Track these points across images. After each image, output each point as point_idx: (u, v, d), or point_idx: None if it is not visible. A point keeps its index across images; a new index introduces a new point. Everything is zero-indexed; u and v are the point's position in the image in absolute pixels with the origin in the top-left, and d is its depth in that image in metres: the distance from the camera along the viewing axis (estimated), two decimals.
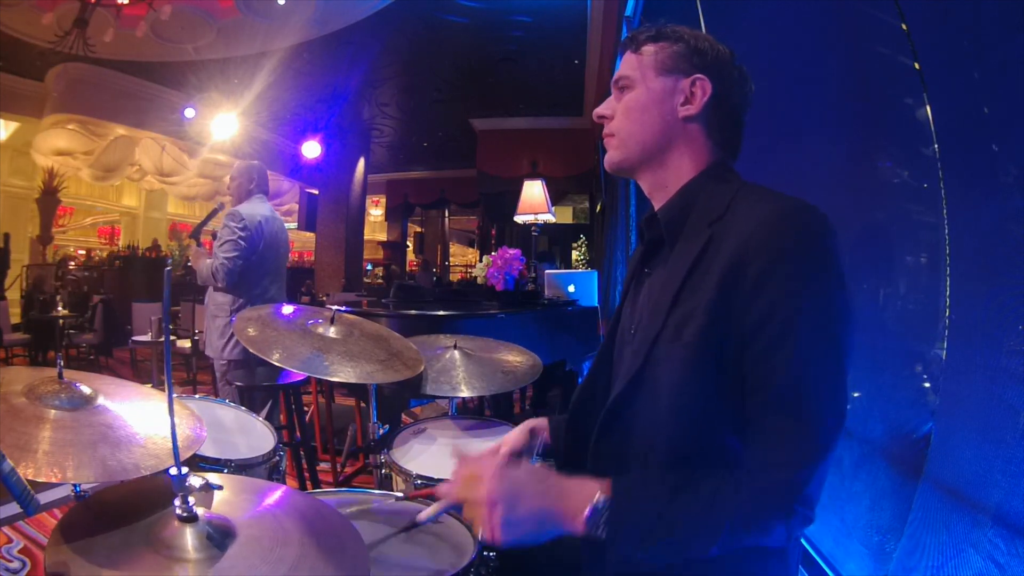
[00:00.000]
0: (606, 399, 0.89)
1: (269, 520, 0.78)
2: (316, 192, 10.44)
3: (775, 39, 1.53)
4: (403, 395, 1.48)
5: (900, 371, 1.12)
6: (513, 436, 1.08)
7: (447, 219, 14.67)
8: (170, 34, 6.79)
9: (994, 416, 0.81)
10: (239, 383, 2.55)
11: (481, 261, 3.79)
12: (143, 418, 0.95)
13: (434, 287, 8.08)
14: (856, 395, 0.83)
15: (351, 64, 7.42)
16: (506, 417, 1.59)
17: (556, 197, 8.55)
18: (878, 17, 1.07)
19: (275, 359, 1.25)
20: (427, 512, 0.90)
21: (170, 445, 0.77)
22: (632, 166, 0.92)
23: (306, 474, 2.66)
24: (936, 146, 0.93)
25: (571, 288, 3.84)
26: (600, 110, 0.94)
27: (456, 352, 1.58)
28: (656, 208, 0.93)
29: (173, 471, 0.70)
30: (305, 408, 3.00)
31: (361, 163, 10.67)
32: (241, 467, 1.19)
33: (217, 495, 0.77)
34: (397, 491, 1.20)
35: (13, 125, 8.81)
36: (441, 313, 2.82)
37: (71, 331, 6.61)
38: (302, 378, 2.50)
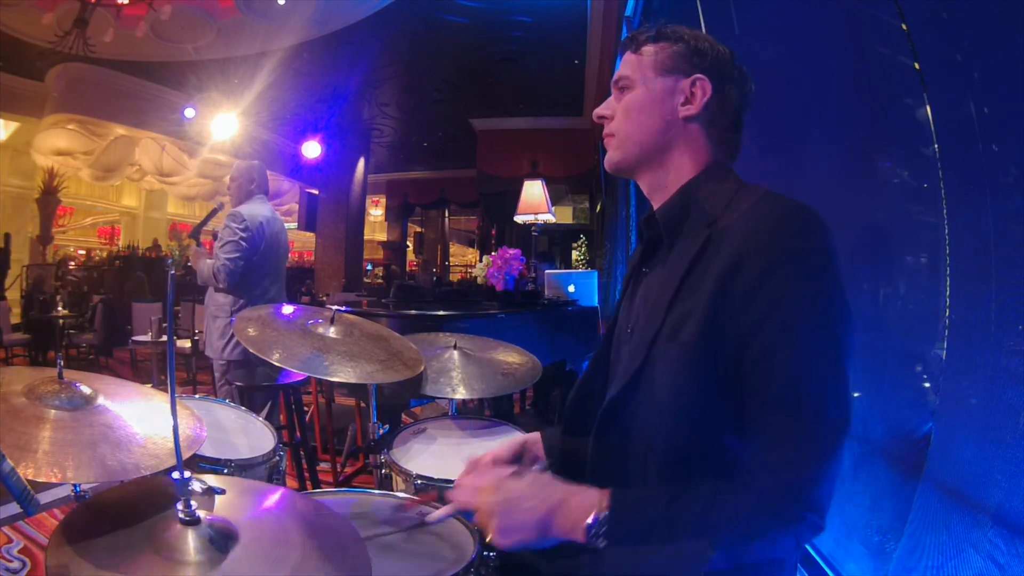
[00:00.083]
0: (603, 399, 0.89)
1: (270, 522, 0.78)
2: (316, 192, 10.44)
3: (775, 39, 1.53)
4: (403, 395, 1.48)
5: (900, 371, 1.12)
6: (502, 451, 1.08)
7: (447, 219, 14.66)
8: (170, 34, 6.79)
9: (994, 416, 0.81)
10: (239, 383, 2.55)
11: (481, 261, 3.79)
12: (143, 418, 0.95)
13: (434, 287, 8.08)
14: (856, 395, 0.83)
15: (351, 64, 7.42)
16: (506, 417, 1.59)
17: (556, 197, 8.55)
18: (878, 17, 1.07)
19: (275, 359, 1.25)
20: (436, 514, 0.90)
21: (170, 445, 0.77)
22: (632, 166, 0.92)
23: (306, 474, 2.66)
24: (936, 146, 0.93)
25: (571, 288, 3.84)
26: (600, 110, 0.94)
27: (456, 352, 1.58)
28: (655, 208, 0.93)
29: (176, 475, 0.70)
30: (305, 408, 3.00)
31: (361, 163, 10.67)
32: (241, 467, 1.19)
33: (218, 497, 0.77)
34: (397, 491, 1.20)
35: (13, 125, 8.81)
36: (441, 313, 2.82)
37: (71, 331, 6.61)
38: (302, 378, 2.50)
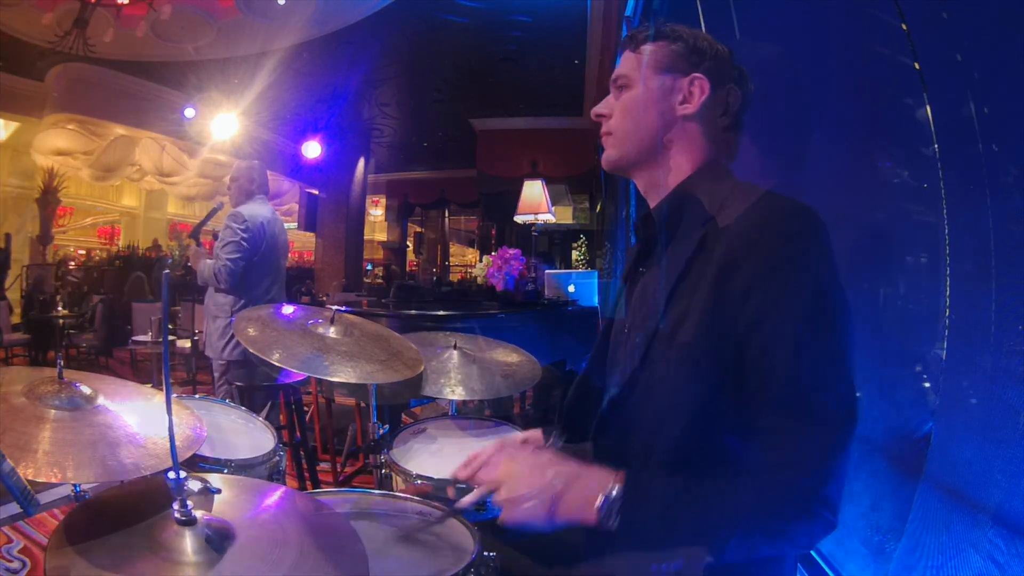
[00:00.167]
0: (601, 399, 0.89)
1: (269, 521, 0.78)
2: (316, 192, 10.45)
3: (775, 39, 1.53)
4: (403, 395, 1.48)
5: (900, 371, 1.11)
6: (530, 435, 1.08)
7: (447, 219, 14.66)
8: (170, 34, 6.79)
9: (994, 416, 0.81)
10: (239, 383, 2.55)
11: (481, 261, 3.80)
12: (143, 418, 0.95)
13: (434, 287, 8.08)
14: (856, 395, 0.83)
15: (351, 64, 7.42)
16: (506, 417, 1.60)
17: (555, 197, 8.55)
18: (878, 17, 1.07)
19: (275, 359, 1.25)
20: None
21: (170, 446, 0.77)
22: (628, 164, 0.92)
23: (306, 474, 2.66)
24: (936, 146, 0.93)
25: (571, 288, 3.84)
26: (598, 109, 0.94)
27: (456, 352, 1.58)
28: (651, 207, 0.93)
29: (171, 475, 0.70)
30: (305, 408, 2.99)
31: (361, 163, 10.67)
32: (241, 467, 1.19)
33: (216, 496, 0.77)
34: (397, 491, 1.20)
35: (13, 125, 8.81)
36: (441, 313, 2.82)
37: (71, 331, 6.61)
38: (302, 378, 2.50)
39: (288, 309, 1.54)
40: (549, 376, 1.53)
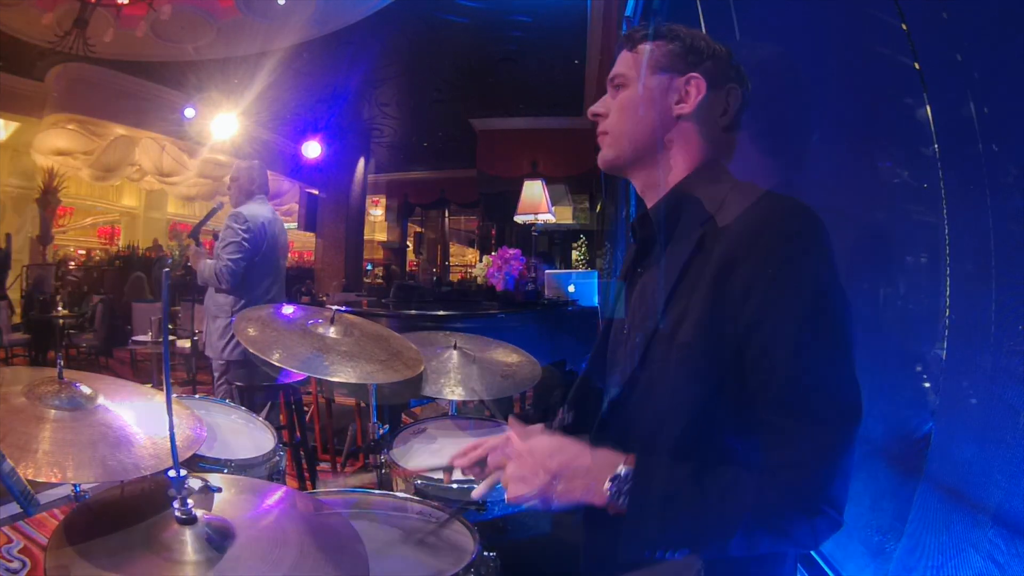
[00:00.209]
0: (601, 399, 0.89)
1: (269, 521, 0.78)
2: (316, 192, 10.45)
3: (775, 39, 1.53)
4: (403, 395, 1.48)
5: (900, 371, 1.11)
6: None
7: (447, 219, 14.66)
8: (170, 34, 6.79)
9: (994, 416, 0.81)
10: (239, 383, 2.55)
11: (481, 261, 3.81)
12: (143, 418, 0.95)
13: (434, 287, 8.08)
14: (859, 394, 0.83)
15: (351, 64, 7.42)
16: (506, 417, 1.60)
17: (555, 197, 8.54)
18: (878, 17, 1.07)
19: (275, 359, 1.25)
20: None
21: (170, 445, 0.77)
22: (625, 164, 0.92)
23: (306, 474, 2.66)
24: (936, 146, 0.93)
25: (571, 288, 3.84)
26: (595, 108, 0.94)
27: (456, 352, 1.58)
28: (649, 207, 0.93)
29: (172, 473, 0.70)
30: (305, 408, 3.00)
31: (361, 163, 10.67)
32: (241, 467, 1.19)
33: (217, 496, 0.77)
34: (398, 491, 1.20)
35: (13, 125, 8.81)
36: (441, 313, 2.82)
37: (71, 331, 6.61)
38: (302, 378, 2.50)
39: (288, 309, 1.54)
40: (549, 376, 1.53)
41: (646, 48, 0.90)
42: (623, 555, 0.75)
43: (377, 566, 0.88)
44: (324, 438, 3.35)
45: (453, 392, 1.46)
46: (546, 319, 3.21)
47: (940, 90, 0.93)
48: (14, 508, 0.87)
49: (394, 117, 9.86)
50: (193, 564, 0.67)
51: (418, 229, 15.40)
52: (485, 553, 0.94)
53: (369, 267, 14.02)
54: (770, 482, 0.71)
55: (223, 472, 1.16)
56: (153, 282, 8.05)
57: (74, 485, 0.95)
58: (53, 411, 0.89)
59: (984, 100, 0.83)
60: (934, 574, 0.88)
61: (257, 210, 2.96)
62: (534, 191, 4.12)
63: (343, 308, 2.44)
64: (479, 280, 3.80)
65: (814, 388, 0.71)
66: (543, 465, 0.76)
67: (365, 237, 11.41)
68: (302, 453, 2.65)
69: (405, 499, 1.12)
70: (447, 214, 14.53)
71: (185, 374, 5.55)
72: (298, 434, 2.66)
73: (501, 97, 8.89)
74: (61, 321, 6.36)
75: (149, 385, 1.13)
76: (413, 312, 2.89)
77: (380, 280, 12.50)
